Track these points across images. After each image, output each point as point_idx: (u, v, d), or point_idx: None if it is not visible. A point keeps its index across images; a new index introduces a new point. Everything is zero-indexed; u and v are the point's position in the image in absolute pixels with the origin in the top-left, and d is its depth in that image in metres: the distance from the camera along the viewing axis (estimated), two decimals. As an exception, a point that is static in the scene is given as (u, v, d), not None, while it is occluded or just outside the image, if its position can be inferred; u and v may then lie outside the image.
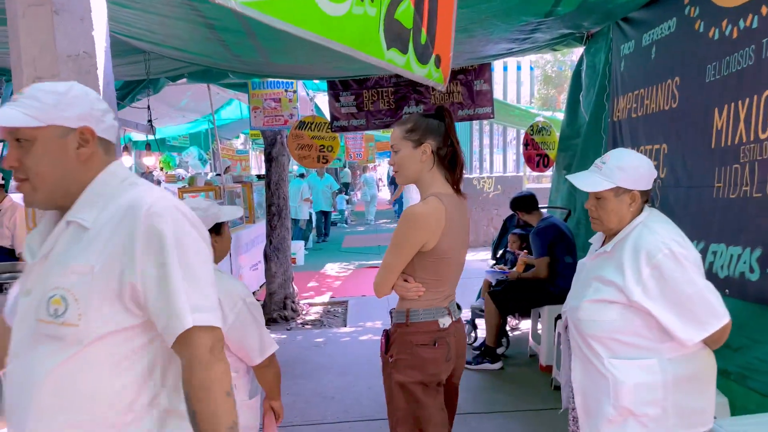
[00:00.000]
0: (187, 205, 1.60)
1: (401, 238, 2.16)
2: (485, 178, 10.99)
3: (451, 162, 2.25)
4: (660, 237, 1.95)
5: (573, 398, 2.26)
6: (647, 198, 2.10)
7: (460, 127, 11.42)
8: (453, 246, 2.21)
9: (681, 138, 3.67)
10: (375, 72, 5.61)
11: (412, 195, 12.23)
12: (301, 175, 12.17)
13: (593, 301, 2.06)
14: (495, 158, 12.01)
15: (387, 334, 2.28)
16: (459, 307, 2.36)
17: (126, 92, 6.17)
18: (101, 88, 2.44)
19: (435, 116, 2.26)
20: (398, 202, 16.80)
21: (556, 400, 4.13)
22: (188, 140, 12.88)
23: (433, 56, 1.69)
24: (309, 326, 6.42)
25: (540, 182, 11.12)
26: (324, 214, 12.91)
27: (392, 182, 13.06)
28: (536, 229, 4.60)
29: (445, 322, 2.22)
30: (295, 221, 11.04)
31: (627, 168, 2.03)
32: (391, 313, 2.30)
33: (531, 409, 3.97)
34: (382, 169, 26.59)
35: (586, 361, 2.11)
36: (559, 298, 4.59)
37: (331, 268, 9.57)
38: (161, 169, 7.41)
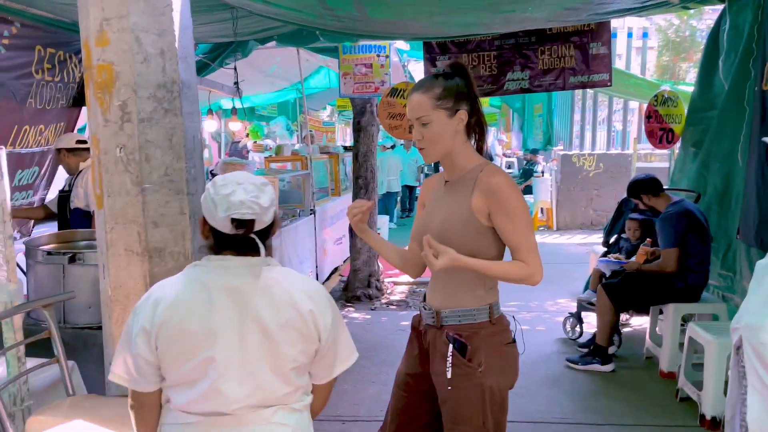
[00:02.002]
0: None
1: (526, 210, 1.87)
2: (586, 156, 10.14)
3: (478, 128, 1.94)
4: None
5: (744, 438, 1.75)
6: None
7: (559, 97, 10.57)
8: None
9: None
10: (479, 31, 5.06)
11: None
12: (392, 147, 11.78)
13: (786, 320, 1.54)
14: (598, 134, 11.08)
15: (457, 338, 1.88)
16: None
17: (215, 55, 5.97)
18: (177, 33, 2.09)
19: (454, 75, 1.89)
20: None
21: (684, 415, 3.55)
22: (276, 110, 12.78)
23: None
24: (394, 306, 6.06)
25: (648, 161, 10.15)
26: (409, 189, 12.50)
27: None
28: (666, 215, 3.95)
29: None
30: (387, 194, 10.72)
31: None
32: (438, 314, 1.91)
33: (655, 424, 3.41)
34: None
35: (771, 399, 1.59)
36: (688, 295, 3.98)
37: (417, 246, 9.16)
38: (247, 135, 7.18)
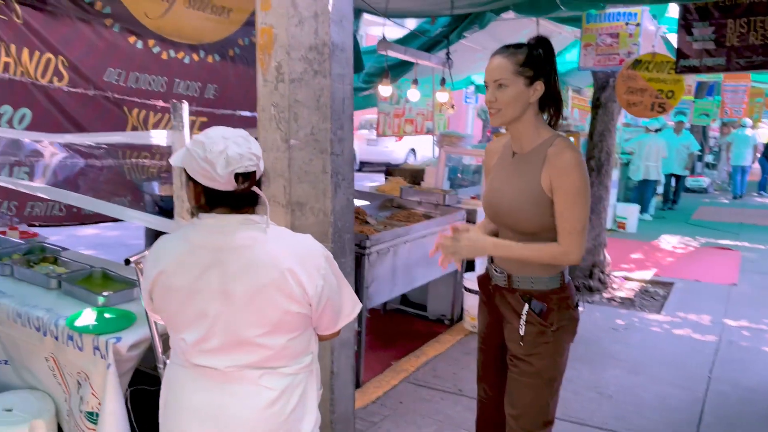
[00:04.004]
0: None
1: (586, 189, 1.91)
2: None
3: (553, 104, 2.01)
4: None
5: None
6: None
7: None
8: None
9: None
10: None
11: None
12: (657, 129, 10.56)
13: None
14: None
15: (532, 300, 2.00)
16: None
17: (452, 28, 6.01)
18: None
19: (538, 47, 1.94)
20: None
21: None
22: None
23: None
24: (616, 303, 5.51)
25: None
26: (675, 178, 11.09)
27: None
28: None
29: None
30: (644, 182, 9.68)
31: None
32: (511, 277, 2.03)
33: None
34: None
35: None
36: None
37: (667, 241, 8.13)
38: (452, 106, 7.03)
